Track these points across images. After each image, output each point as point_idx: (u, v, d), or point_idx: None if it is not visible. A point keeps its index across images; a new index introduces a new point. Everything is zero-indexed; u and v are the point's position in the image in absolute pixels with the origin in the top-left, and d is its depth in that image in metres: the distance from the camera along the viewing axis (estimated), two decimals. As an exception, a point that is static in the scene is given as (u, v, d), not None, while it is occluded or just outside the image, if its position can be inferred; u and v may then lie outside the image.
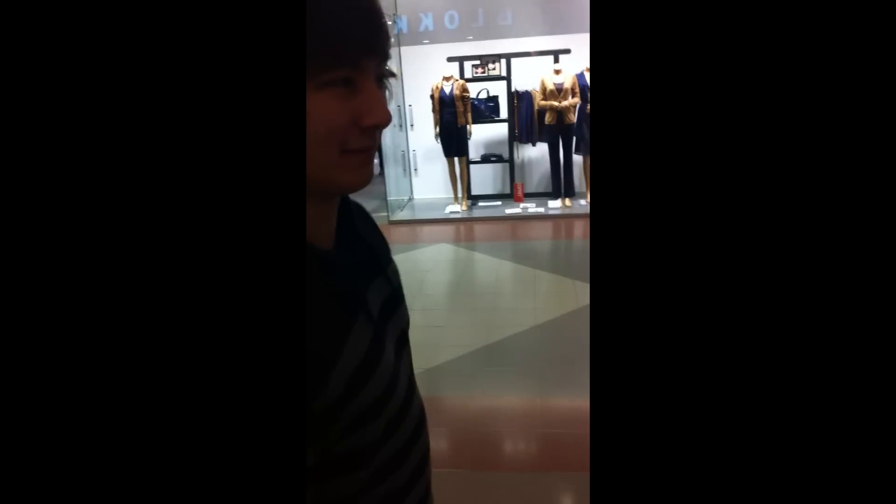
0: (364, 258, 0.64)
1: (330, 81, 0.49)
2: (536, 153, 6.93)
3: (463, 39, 6.75)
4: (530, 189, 7.02)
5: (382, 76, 0.54)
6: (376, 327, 0.60)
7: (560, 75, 6.13)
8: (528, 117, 6.56)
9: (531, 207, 6.44)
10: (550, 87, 6.13)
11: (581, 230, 5.85)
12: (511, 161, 6.83)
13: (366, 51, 0.50)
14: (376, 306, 0.62)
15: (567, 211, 6.27)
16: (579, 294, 4.05)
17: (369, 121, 0.51)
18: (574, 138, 6.28)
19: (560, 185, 6.49)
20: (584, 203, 6.31)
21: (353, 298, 0.58)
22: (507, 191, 6.95)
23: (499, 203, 6.77)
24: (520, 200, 6.69)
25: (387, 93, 0.55)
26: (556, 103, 6.11)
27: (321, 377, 0.51)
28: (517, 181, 6.83)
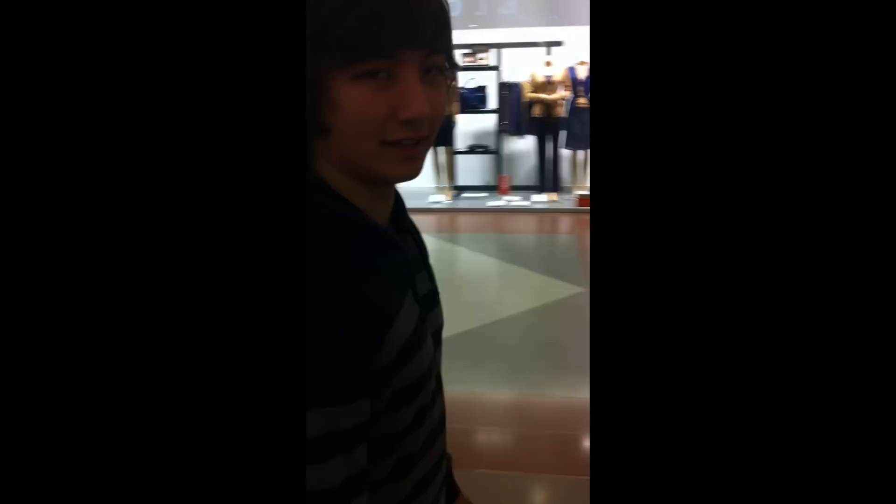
0: (412, 250, 0.66)
1: (363, 73, 0.49)
2: (525, 146, 6.84)
3: (465, 27, 6.65)
4: (519, 182, 6.93)
5: (432, 67, 0.52)
6: (421, 310, 0.61)
7: (551, 67, 6.03)
8: (517, 109, 6.47)
9: (515, 201, 6.37)
10: (540, 79, 6.04)
11: (563, 225, 5.78)
12: (498, 153, 6.74)
13: (403, 42, 0.49)
14: (420, 294, 0.63)
15: (552, 205, 6.19)
16: (547, 290, 4.00)
17: (405, 114, 0.51)
18: (562, 132, 6.19)
19: (546, 179, 6.41)
20: (570, 198, 6.22)
21: (405, 274, 0.60)
22: (495, 182, 6.87)
23: (485, 194, 6.70)
24: (505, 193, 6.62)
25: (444, 84, 0.55)
26: (544, 96, 6.01)
27: (380, 335, 0.53)
28: (504, 173, 6.75)
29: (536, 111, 6.11)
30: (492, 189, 6.84)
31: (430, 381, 0.61)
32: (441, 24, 0.52)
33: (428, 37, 0.50)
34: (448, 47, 0.54)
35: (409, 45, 0.49)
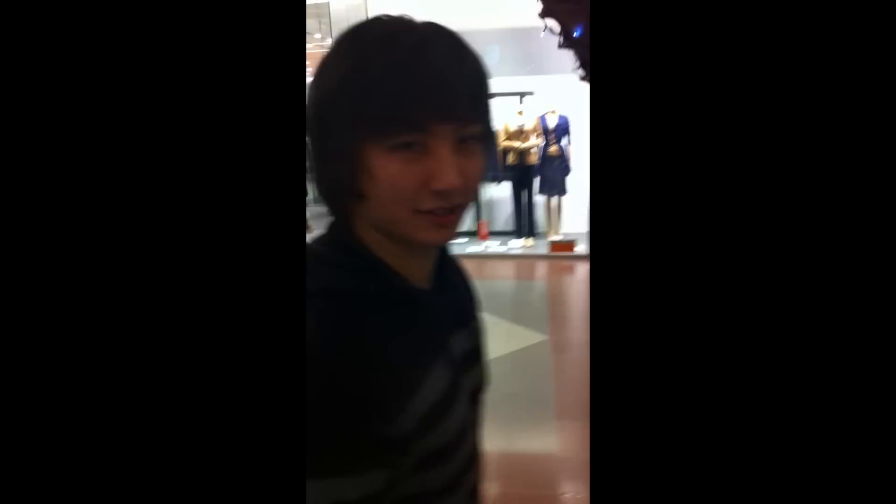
0: (452, 308, 0.66)
1: (398, 145, 0.51)
2: (502, 192, 6.99)
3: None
4: (498, 227, 7.06)
5: (468, 137, 0.53)
6: (454, 374, 0.60)
7: (522, 116, 6.22)
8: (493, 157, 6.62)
9: (493, 246, 6.48)
10: (513, 128, 6.22)
11: (537, 271, 5.88)
12: (477, 199, 6.86)
13: (437, 116, 0.50)
14: (457, 354, 0.63)
15: (527, 251, 6.30)
16: (511, 338, 4.06)
17: (437, 185, 0.51)
18: (536, 179, 6.34)
19: (522, 224, 6.54)
20: (545, 243, 6.34)
21: (437, 339, 0.60)
22: (474, 228, 7.00)
23: (465, 240, 6.82)
24: (484, 238, 6.74)
25: (479, 151, 0.55)
26: (517, 144, 6.18)
27: (399, 405, 0.52)
28: (483, 219, 6.88)
29: (510, 159, 6.27)
30: (472, 234, 6.97)
31: (462, 448, 0.60)
32: (476, 95, 0.53)
33: (462, 110, 0.51)
34: (485, 115, 0.55)
35: (443, 119, 0.50)
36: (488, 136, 0.57)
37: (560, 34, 1.47)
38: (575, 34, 1.53)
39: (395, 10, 0.56)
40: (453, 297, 0.67)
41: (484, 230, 6.82)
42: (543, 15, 1.49)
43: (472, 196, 0.56)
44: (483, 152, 0.56)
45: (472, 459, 0.64)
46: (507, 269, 5.96)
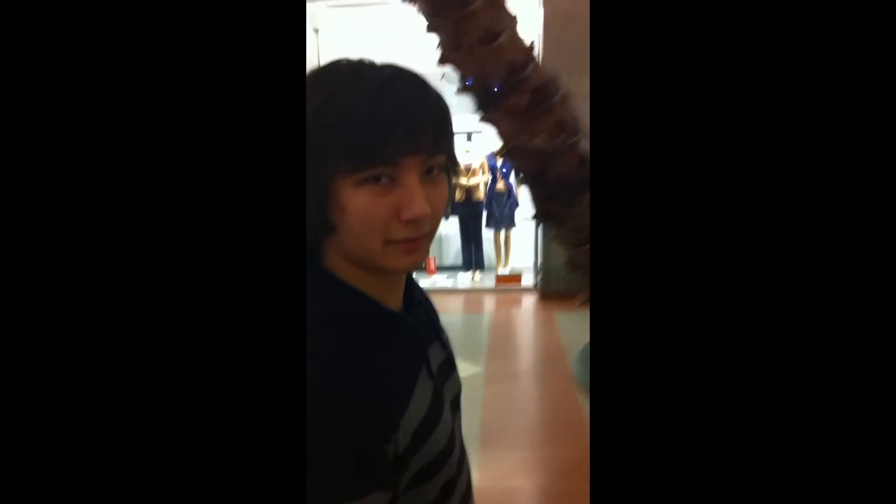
0: (423, 323, 0.69)
1: (366, 179, 0.52)
2: (453, 228, 7.11)
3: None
4: (448, 262, 7.16)
5: (433, 168, 0.55)
6: (436, 385, 0.63)
7: (469, 154, 6.38)
8: (441, 193, 6.75)
9: (441, 280, 6.57)
10: (461, 165, 6.36)
11: (485, 304, 5.96)
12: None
13: (405, 150, 0.52)
14: (434, 367, 0.65)
15: (475, 285, 6.40)
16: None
17: (408, 215, 0.53)
18: (483, 214, 6.48)
19: (470, 258, 6.65)
20: (492, 276, 6.45)
21: (417, 355, 0.62)
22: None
23: (413, 275, 6.86)
24: (432, 273, 6.82)
25: (444, 179, 0.57)
26: (464, 181, 6.33)
27: (393, 423, 0.54)
28: (431, 255, 6.97)
29: (457, 195, 6.41)
30: (421, 270, 7.04)
31: (453, 454, 0.62)
32: (441, 127, 0.55)
33: (428, 142, 0.53)
34: (449, 146, 0.57)
35: (410, 152, 0.52)
36: (452, 165, 0.60)
37: (458, 80, 1.58)
38: (467, 83, 1.64)
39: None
40: (422, 314, 0.70)
41: (432, 266, 6.90)
42: (440, 62, 1.60)
43: (437, 223, 0.59)
44: (447, 181, 0.59)
45: (462, 462, 0.66)
46: (455, 302, 6.02)
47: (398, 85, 0.54)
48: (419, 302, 0.71)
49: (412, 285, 0.70)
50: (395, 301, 0.64)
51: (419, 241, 0.56)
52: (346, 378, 0.52)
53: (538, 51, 4.91)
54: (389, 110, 0.52)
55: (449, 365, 0.71)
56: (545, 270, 5.62)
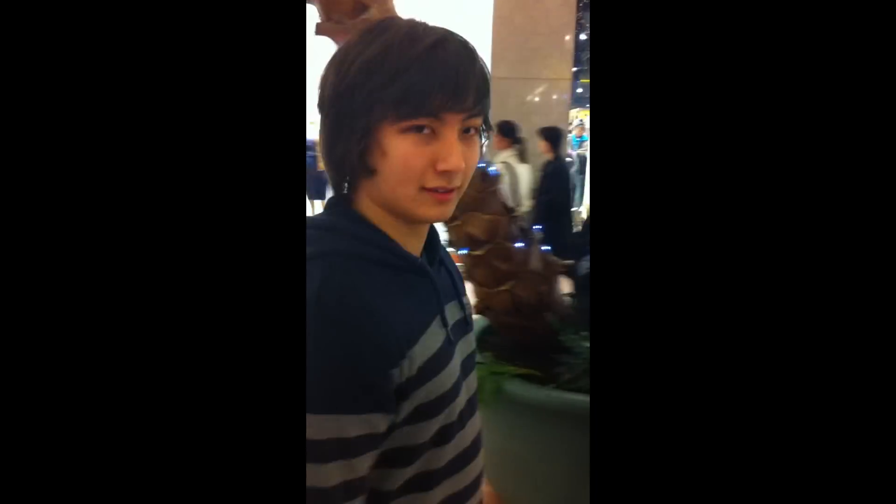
0: (444, 280, 0.73)
1: (410, 128, 0.57)
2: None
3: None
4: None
5: (471, 128, 0.60)
6: (449, 334, 0.66)
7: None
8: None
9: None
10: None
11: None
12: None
13: (448, 106, 0.57)
14: (450, 322, 0.68)
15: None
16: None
17: (444, 166, 0.58)
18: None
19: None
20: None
21: (433, 300, 0.66)
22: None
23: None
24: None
25: (478, 142, 0.63)
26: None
27: (401, 351, 0.57)
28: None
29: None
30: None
31: (456, 401, 0.65)
32: (482, 92, 0.60)
33: (470, 102, 0.58)
34: (486, 112, 0.62)
35: (453, 108, 0.57)
36: (486, 129, 0.65)
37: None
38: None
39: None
40: (444, 273, 0.74)
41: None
42: (317, 32, 1.61)
43: (468, 180, 0.63)
44: (479, 143, 0.64)
45: (464, 415, 0.69)
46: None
47: (449, 47, 0.58)
48: (441, 261, 0.74)
49: (436, 244, 0.73)
50: (415, 251, 0.67)
51: (450, 193, 0.60)
52: (362, 303, 0.56)
53: (490, 34, 4.89)
54: (440, 68, 0.56)
55: (465, 325, 0.74)
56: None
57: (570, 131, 8.96)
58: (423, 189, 0.59)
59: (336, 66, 0.60)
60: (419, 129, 0.57)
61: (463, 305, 0.75)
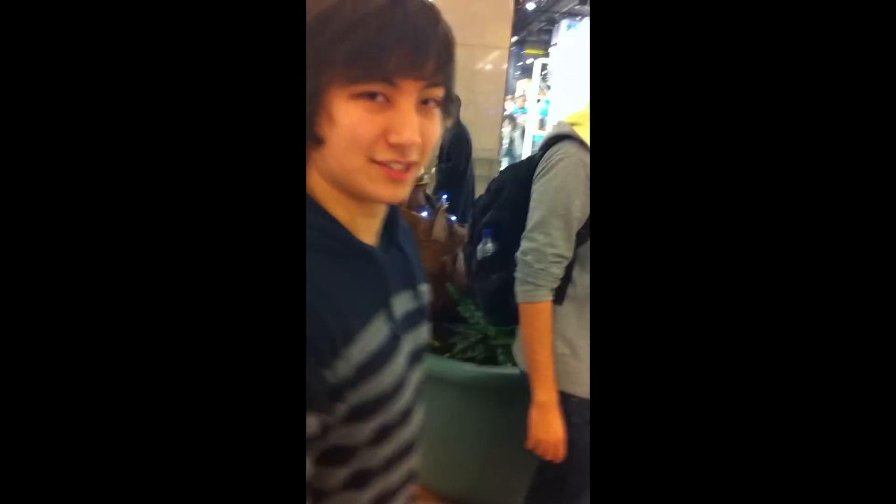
0: (398, 267, 0.66)
1: (362, 94, 0.51)
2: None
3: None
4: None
5: (430, 99, 0.54)
6: (394, 330, 0.60)
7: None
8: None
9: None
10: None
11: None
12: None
13: (406, 72, 0.51)
14: (398, 313, 0.62)
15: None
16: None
17: (395, 138, 0.52)
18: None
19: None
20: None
21: (379, 294, 0.60)
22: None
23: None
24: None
25: (438, 115, 0.56)
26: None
27: (335, 351, 0.52)
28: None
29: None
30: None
31: (397, 400, 0.60)
32: (444, 59, 0.53)
33: (430, 69, 0.52)
34: (449, 81, 0.55)
35: (410, 74, 0.51)
36: (448, 102, 0.57)
37: None
38: None
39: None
40: (400, 260, 0.67)
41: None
42: None
43: (425, 158, 0.56)
44: (440, 118, 0.57)
45: (408, 414, 0.64)
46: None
47: (410, 6, 0.51)
48: (400, 247, 0.68)
49: (394, 225, 0.67)
50: (368, 235, 0.61)
51: (405, 172, 0.55)
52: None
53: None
54: (397, 28, 0.50)
55: (418, 316, 0.68)
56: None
57: (513, 101, 8.97)
58: (373, 161, 0.53)
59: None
60: (372, 95, 0.51)
61: (418, 294, 0.69)
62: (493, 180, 1.48)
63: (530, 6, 9.03)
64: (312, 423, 0.52)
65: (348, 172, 0.54)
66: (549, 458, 1.25)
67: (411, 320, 0.66)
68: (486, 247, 1.41)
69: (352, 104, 0.52)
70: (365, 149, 0.53)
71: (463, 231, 2.02)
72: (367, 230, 0.61)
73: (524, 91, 10.05)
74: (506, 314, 1.35)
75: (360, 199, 0.57)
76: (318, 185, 0.57)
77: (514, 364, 1.46)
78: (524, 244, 1.24)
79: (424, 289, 0.72)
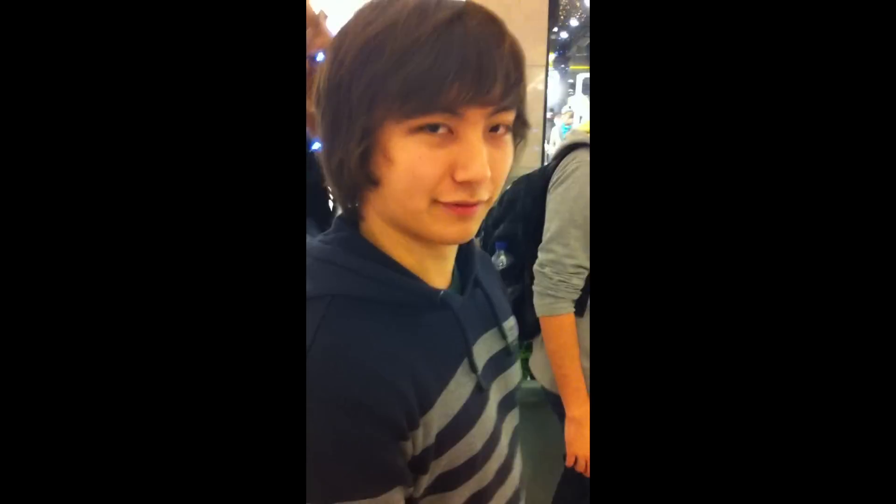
0: (478, 308, 0.59)
1: (421, 127, 0.45)
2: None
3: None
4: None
5: (500, 125, 0.48)
6: (480, 381, 0.54)
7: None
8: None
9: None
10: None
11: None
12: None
13: (470, 99, 0.44)
14: (482, 359, 0.56)
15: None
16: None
17: (464, 175, 0.45)
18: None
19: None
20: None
21: (458, 345, 0.54)
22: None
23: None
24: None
25: (509, 142, 0.49)
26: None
27: (412, 421, 0.46)
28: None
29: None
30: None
31: (490, 460, 0.54)
32: (513, 79, 0.46)
33: (497, 93, 0.45)
34: (520, 104, 0.49)
35: (475, 101, 0.44)
36: (522, 126, 0.51)
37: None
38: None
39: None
40: (480, 298, 0.61)
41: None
42: None
43: (497, 192, 0.50)
44: (512, 146, 0.50)
45: (504, 470, 0.57)
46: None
47: (469, 22, 0.44)
48: (478, 281, 0.60)
49: (471, 262, 0.60)
50: (441, 278, 0.55)
51: (473, 207, 0.48)
52: (362, 367, 0.45)
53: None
54: (457, 50, 0.43)
55: (505, 357, 0.61)
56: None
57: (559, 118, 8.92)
58: (437, 203, 0.47)
59: (333, 55, 0.48)
60: (433, 128, 0.45)
61: (504, 334, 0.62)
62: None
63: (574, 22, 9.01)
64: (394, 498, 0.46)
65: (410, 214, 0.48)
66: (588, 473, 1.20)
67: (498, 365, 0.60)
68: (500, 259, 1.39)
69: (410, 140, 0.45)
70: (429, 189, 0.46)
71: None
72: (440, 273, 0.55)
73: (570, 107, 10.00)
74: (522, 328, 1.33)
75: (426, 241, 0.51)
76: (378, 228, 0.51)
77: (532, 378, 1.44)
78: (542, 256, 1.21)
79: (512, 323, 0.64)
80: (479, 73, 0.44)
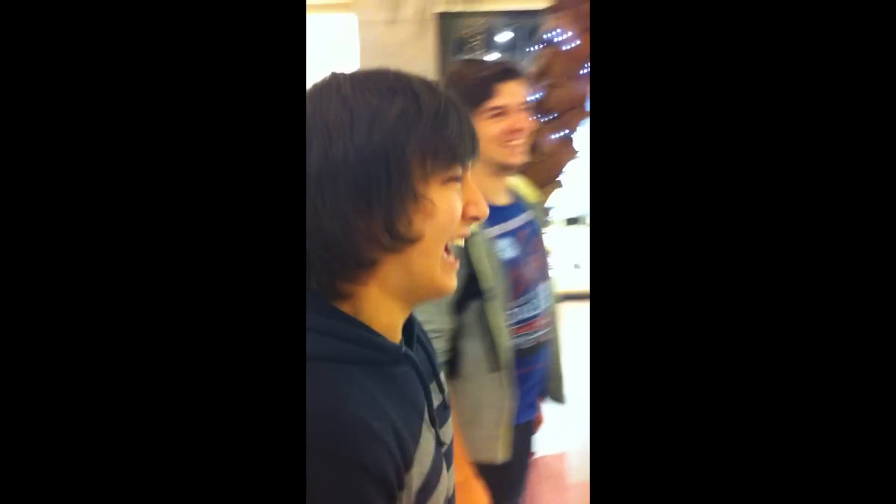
0: (423, 363, 0.62)
1: (452, 178, 0.53)
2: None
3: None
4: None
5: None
6: (439, 435, 0.58)
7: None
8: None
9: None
10: None
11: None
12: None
13: (472, 152, 0.55)
14: (435, 412, 0.59)
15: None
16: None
17: (473, 212, 0.55)
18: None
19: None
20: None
21: (419, 393, 0.57)
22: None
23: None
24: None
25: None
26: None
27: (399, 479, 0.49)
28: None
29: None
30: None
31: None
32: None
33: (477, 149, 0.57)
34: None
35: (474, 155, 0.56)
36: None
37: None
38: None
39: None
40: (422, 352, 0.64)
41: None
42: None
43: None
44: None
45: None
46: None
47: (453, 96, 0.56)
48: (419, 338, 0.64)
49: (414, 320, 0.64)
50: (393, 333, 0.58)
51: (456, 259, 0.56)
52: (357, 427, 0.47)
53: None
54: (463, 116, 0.54)
55: (444, 410, 0.63)
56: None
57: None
58: (446, 250, 0.55)
59: (341, 133, 0.50)
60: (458, 178, 0.55)
61: (441, 385, 0.64)
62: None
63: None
64: None
65: (431, 267, 0.53)
66: None
67: (442, 418, 0.61)
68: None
69: (446, 189, 0.53)
70: (455, 230, 0.54)
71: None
72: (397, 329, 0.58)
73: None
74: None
75: (425, 297, 0.56)
76: (370, 297, 0.54)
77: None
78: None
79: (443, 377, 0.67)
80: (473, 133, 0.55)
